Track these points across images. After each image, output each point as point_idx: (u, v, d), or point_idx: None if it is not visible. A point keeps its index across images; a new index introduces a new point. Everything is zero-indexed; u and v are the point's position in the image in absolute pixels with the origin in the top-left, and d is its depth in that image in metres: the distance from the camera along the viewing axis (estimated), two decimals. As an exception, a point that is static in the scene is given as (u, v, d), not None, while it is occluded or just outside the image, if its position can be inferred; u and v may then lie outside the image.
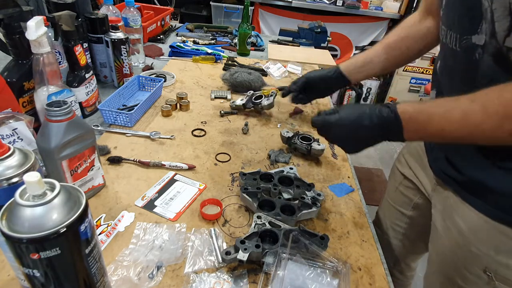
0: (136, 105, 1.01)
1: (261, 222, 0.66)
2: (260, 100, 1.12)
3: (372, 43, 3.41)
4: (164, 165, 0.84)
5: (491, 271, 0.67)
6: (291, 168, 0.85)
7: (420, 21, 0.85)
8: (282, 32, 2.12)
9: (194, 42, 1.70)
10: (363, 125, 0.63)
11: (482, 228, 0.66)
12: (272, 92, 1.13)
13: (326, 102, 1.30)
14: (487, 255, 0.66)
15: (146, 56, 1.50)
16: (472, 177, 0.66)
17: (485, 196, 0.65)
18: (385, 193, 1.06)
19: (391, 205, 1.00)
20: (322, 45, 2.03)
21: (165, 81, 1.25)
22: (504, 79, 0.52)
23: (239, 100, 1.15)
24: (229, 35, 1.91)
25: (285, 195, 0.76)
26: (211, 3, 3.03)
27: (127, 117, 0.97)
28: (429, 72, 3.49)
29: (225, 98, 1.22)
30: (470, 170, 0.66)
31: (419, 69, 3.48)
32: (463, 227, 0.69)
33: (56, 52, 0.97)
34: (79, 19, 1.07)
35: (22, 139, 0.72)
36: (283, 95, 1.11)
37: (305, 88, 1.03)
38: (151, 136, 0.94)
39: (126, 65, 1.19)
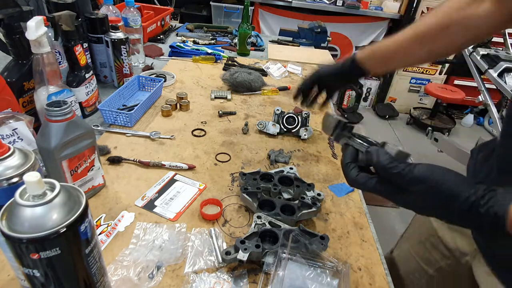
0: (136, 105, 1.01)
1: (261, 222, 0.66)
2: (296, 128, 1.03)
3: (372, 43, 3.41)
4: (164, 165, 0.84)
5: None
6: (291, 168, 0.85)
7: (473, 2, 0.61)
8: (282, 32, 2.12)
9: (194, 42, 1.70)
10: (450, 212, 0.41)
11: None
12: (305, 113, 1.03)
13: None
14: None
15: (146, 56, 1.50)
16: None
17: None
18: (404, 237, 0.91)
19: (412, 256, 0.84)
20: (322, 45, 2.03)
21: (165, 81, 1.25)
22: None
23: (271, 126, 1.03)
24: (229, 35, 1.91)
25: (285, 195, 0.76)
26: (211, 3, 3.04)
27: (127, 117, 0.97)
28: (429, 72, 3.48)
29: (225, 98, 1.22)
30: None
31: (419, 69, 3.48)
32: None
33: (56, 52, 0.97)
34: (79, 19, 1.07)
35: (22, 139, 0.72)
36: (295, 97, 0.90)
37: (318, 86, 0.87)
38: (151, 136, 0.94)
39: (126, 65, 1.19)
